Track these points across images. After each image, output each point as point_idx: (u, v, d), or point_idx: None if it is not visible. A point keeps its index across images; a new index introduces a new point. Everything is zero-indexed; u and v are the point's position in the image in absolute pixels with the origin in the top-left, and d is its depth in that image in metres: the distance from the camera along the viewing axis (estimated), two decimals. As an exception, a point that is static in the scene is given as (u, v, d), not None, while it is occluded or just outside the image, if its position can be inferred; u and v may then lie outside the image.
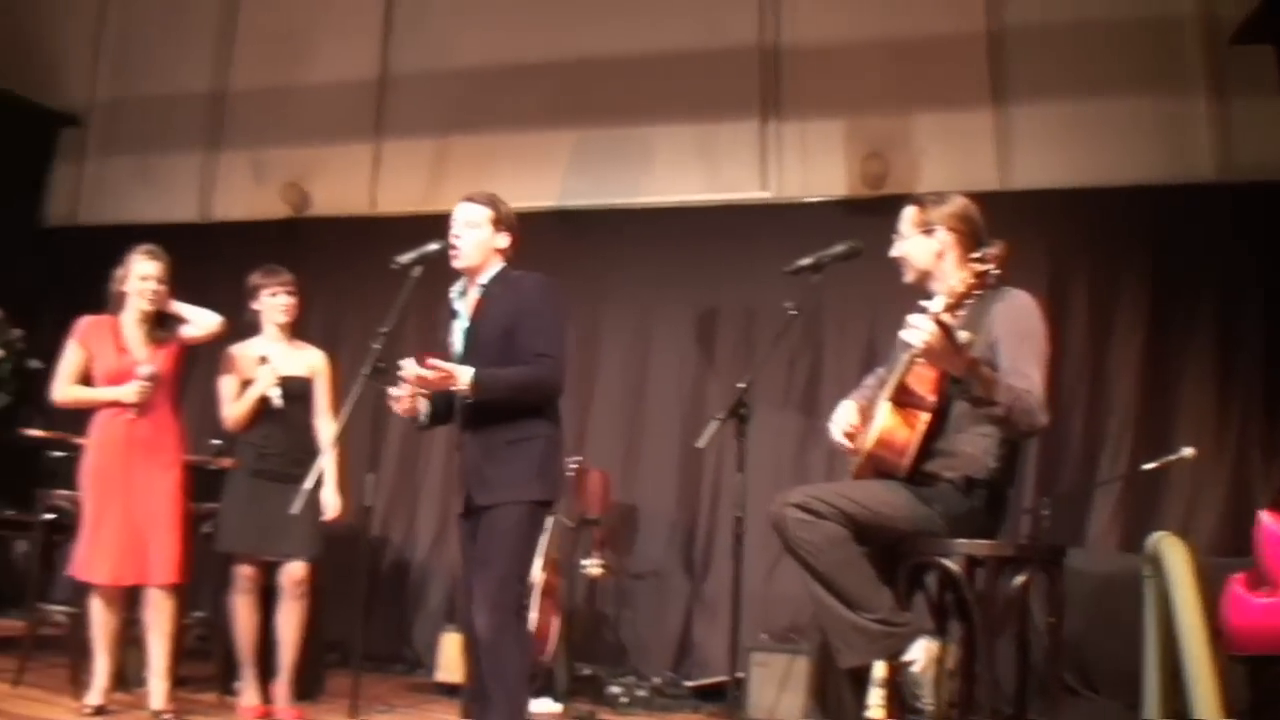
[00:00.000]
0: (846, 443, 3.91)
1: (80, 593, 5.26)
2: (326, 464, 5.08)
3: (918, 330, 3.29)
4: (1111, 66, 6.60)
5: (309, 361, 5.54)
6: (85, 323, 5.19)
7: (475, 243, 4.16)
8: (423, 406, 4.22)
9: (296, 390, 5.40)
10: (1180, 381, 6.31)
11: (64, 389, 5.16)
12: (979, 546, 3.52)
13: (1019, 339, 3.53)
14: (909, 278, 3.84)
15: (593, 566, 6.48)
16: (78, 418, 5.36)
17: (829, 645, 3.56)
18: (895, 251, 3.86)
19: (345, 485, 5.56)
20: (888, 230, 3.90)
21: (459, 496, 4.20)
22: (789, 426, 6.84)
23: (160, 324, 5.21)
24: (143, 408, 5.08)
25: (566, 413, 6.81)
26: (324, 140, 8.35)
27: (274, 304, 5.47)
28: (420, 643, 7.17)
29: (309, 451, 5.28)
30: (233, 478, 5.42)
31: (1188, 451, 5.43)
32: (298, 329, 5.62)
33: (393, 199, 8.14)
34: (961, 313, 3.37)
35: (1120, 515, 6.21)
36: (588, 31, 7.74)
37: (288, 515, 4.44)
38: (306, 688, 5.62)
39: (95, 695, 5.06)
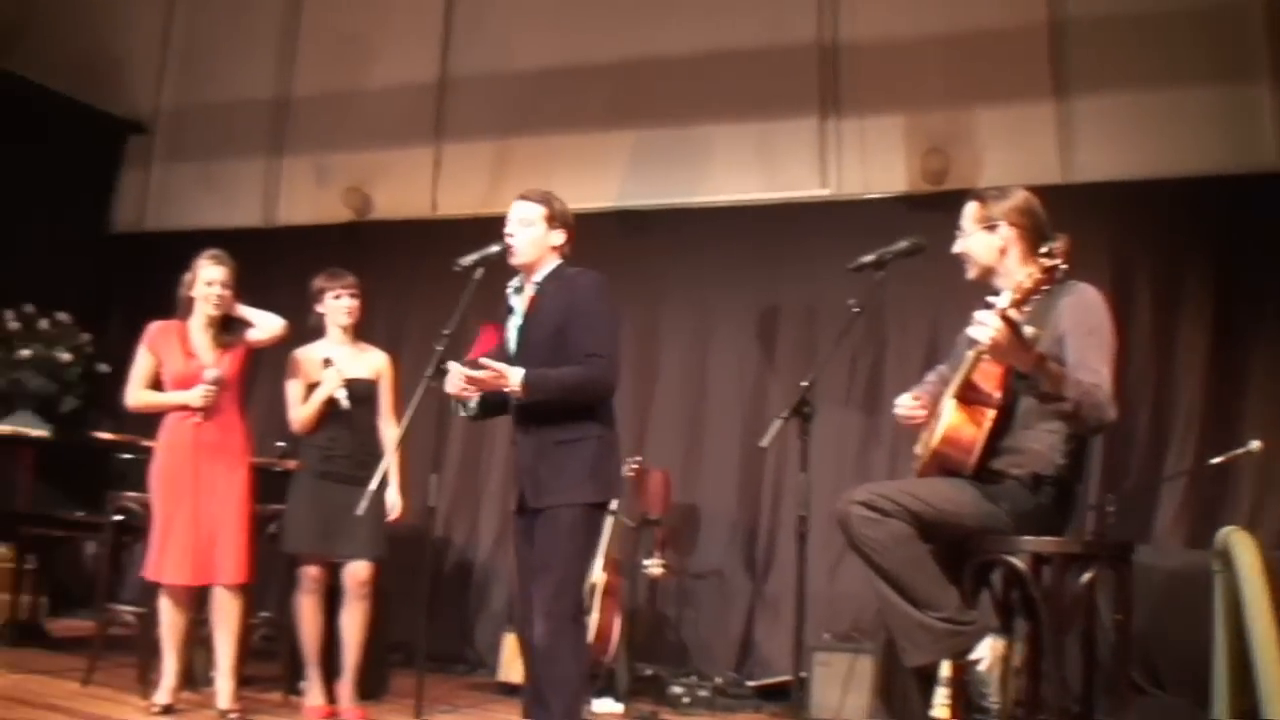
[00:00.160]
0: (911, 413, 3.88)
1: (149, 593, 5.33)
2: (390, 465, 5.10)
3: (984, 327, 3.25)
4: (1175, 55, 6.50)
5: (373, 364, 5.58)
6: (154, 328, 5.27)
7: (529, 240, 4.17)
8: (472, 396, 4.21)
9: (361, 393, 5.43)
10: (1247, 374, 6.19)
11: (135, 394, 5.25)
12: (1045, 544, 3.48)
13: (1086, 333, 3.49)
14: (972, 274, 3.81)
15: (654, 566, 6.49)
16: (147, 421, 5.44)
17: (894, 644, 3.53)
18: (957, 248, 3.82)
19: (406, 486, 5.61)
20: (949, 226, 3.87)
21: (513, 493, 4.21)
22: (851, 425, 6.81)
23: (226, 328, 5.28)
24: (209, 411, 5.14)
25: (626, 413, 6.88)
26: (385, 144, 8.43)
27: (338, 307, 5.51)
28: (482, 643, 7.20)
29: (373, 454, 5.32)
30: (297, 479, 5.47)
31: (1255, 445, 5.33)
32: (361, 331, 5.66)
33: (453, 201, 8.19)
34: (1028, 308, 3.33)
35: (1187, 510, 6.12)
36: (646, 32, 7.74)
37: (353, 516, 4.47)
38: (370, 688, 5.65)
39: (163, 694, 5.13)
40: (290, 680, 5.62)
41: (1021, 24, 6.84)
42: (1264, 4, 6.38)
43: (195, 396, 5.11)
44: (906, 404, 3.94)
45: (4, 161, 8.42)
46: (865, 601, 6.07)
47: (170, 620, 5.14)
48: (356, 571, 5.33)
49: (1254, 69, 6.38)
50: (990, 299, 3.40)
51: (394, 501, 5.48)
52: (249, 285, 5.38)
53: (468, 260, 4.20)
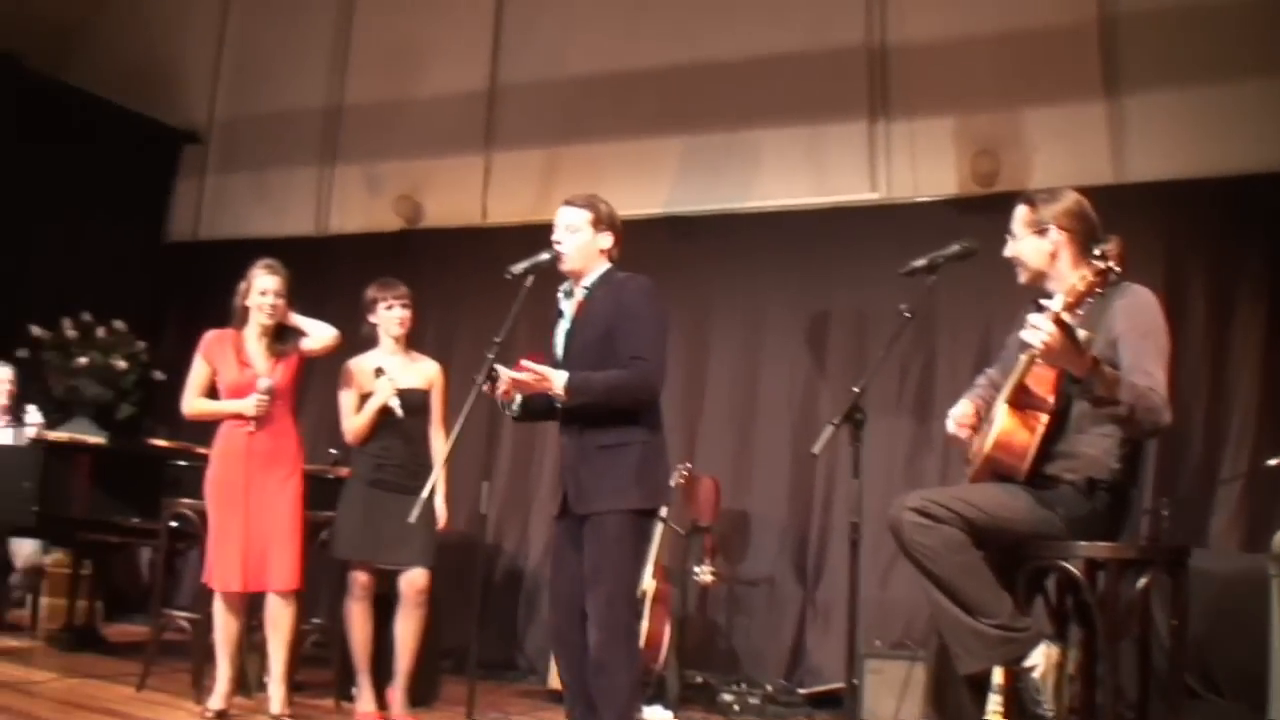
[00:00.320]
0: (961, 432, 3.86)
1: (203, 599, 5.39)
2: (439, 474, 5.11)
3: (1038, 330, 3.22)
4: (1228, 50, 6.39)
5: (425, 373, 5.59)
6: (209, 337, 5.33)
7: (578, 246, 4.16)
8: (516, 396, 4.20)
9: (414, 402, 5.44)
10: (1304, 376, 6.12)
11: (190, 402, 5.31)
12: (1100, 549, 3.45)
13: (1141, 336, 3.45)
14: (1023, 278, 3.78)
15: (704, 574, 6.47)
16: (201, 428, 5.51)
17: (947, 651, 3.51)
18: (1008, 252, 3.79)
19: (452, 495, 5.64)
20: (1000, 229, 3.83)
21: (555, 498, 4.20)
22: (902, 430, 6.76)
23: (280, 337, 5.32)
24: (262, 419, 5.18)
25: (676, 419, 6.88)
26: (436, 152, 8.48)
27: (390, 317, 5.52)
28: (533, 649, 7.22)
29: (425, 463, 5.35)
30: (349, 487, 5.49)
31: (1312, 446, 5.26)
32: (412, 339, 5.68)
33: (503, 209, 8.23)
34: (1081, 311, 3.30)
35: (1243, 514, 6.02)
36: (694, 38, 7.74)
37: (405, 524, 4.47)
38: (422, 694, 5.67)
39: (217, 700, 5.17)
40: (342, 686, 5.65)
41: (1071, 22, 6.77)
42: (1318, -4, 6.29)
43: (248, 405, 5.16)
44: (957, 417, 3.91)
45: (62, 171, 8.58)
46: (917, 608, 6.03)
47: (224, 626, 5.19)
48: (414, 579, 5.35)
49: (1310, 63, 6.29)
50: (1043, 302, 3.36)
51: (442, 510, 5.50)
52: (301, 294, 5.43)
53: (519, 268, 4.20)
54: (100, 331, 8.19)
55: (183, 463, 6.03)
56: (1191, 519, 6.00)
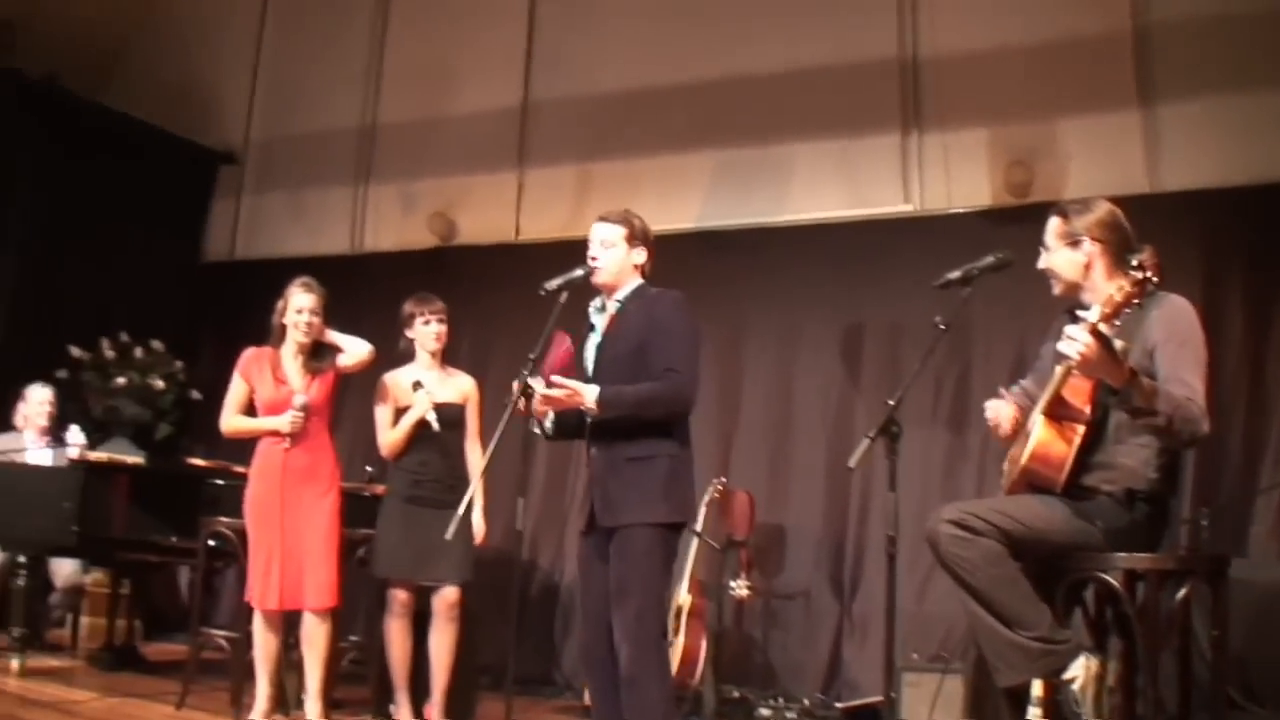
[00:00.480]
0: (1003, 421, 3.84)
1: (241, 617, 5.42)
2: (477, 490, 5.12)
3: (1074, 342, 3.21)
4: (1262, 58, 6.34)
5: (461, 388, 5.62)
6: (247, 355, 5.37)
7: (612, 261, 4.17)
8: (548, 415, 4.21)
9: (451, 417, 5.47)
10: (1342, 384, 6.05)
11: (228, 419, 5.36)
12: (1139, 560, 3.43)
13: (1178, 345, 3.43)
14: (1057, 290, 3.76)
15: (740, 588, 6.45)
16: (239, 446, 5.54)
17: (986, 664, 3.49)
18: (1042, 264, 3.77)
19: (490, 509, 5.65)
20: (1035, 239, 3.82)
21: (582, 513, 4.19)
22: (937, 443, 6.73)
23: (317, 354, 5.35)
24: (298, 437, 5.22)
25: (710, 434, 6.87)
26: (469, 169, 8.53)
27: (426, 332, 5.54)
28: (569, 665, 7.21)
29: (461, 477, 5.37)
30: (387, 504, 5.51)
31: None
32: (447, 355, 5.70)
33: (536, 226, 8.26)
34: (1118, 322, 3.28)
35: (1283, 523, 5.97)
36: (725, 52, 7.75)
37: (442, 540, 4.48)
38: (459, 711, 5.65)
39: (256, 717, 5.20)
40: (380, 703, 5.65)
41: (1104, 31, 6.74)
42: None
43: (284, 422, 5.19)
44: (999, 411, 3.89)
45: (100, 193, 8.70)
46: (953, 621, 6.00)
47: (263, 644, 5.21)
48: (446, 595, 5.37)
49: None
50: (1080, 313, 3.34)
51: (479, 525, 5.51)
52: (337, 312, 5.46)
53: (553, 284, 4.20)
54: (138, 352, 8.27)
55: (220, 481, 6.07)
56: (1231, 528, 5.95)
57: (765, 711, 6.19)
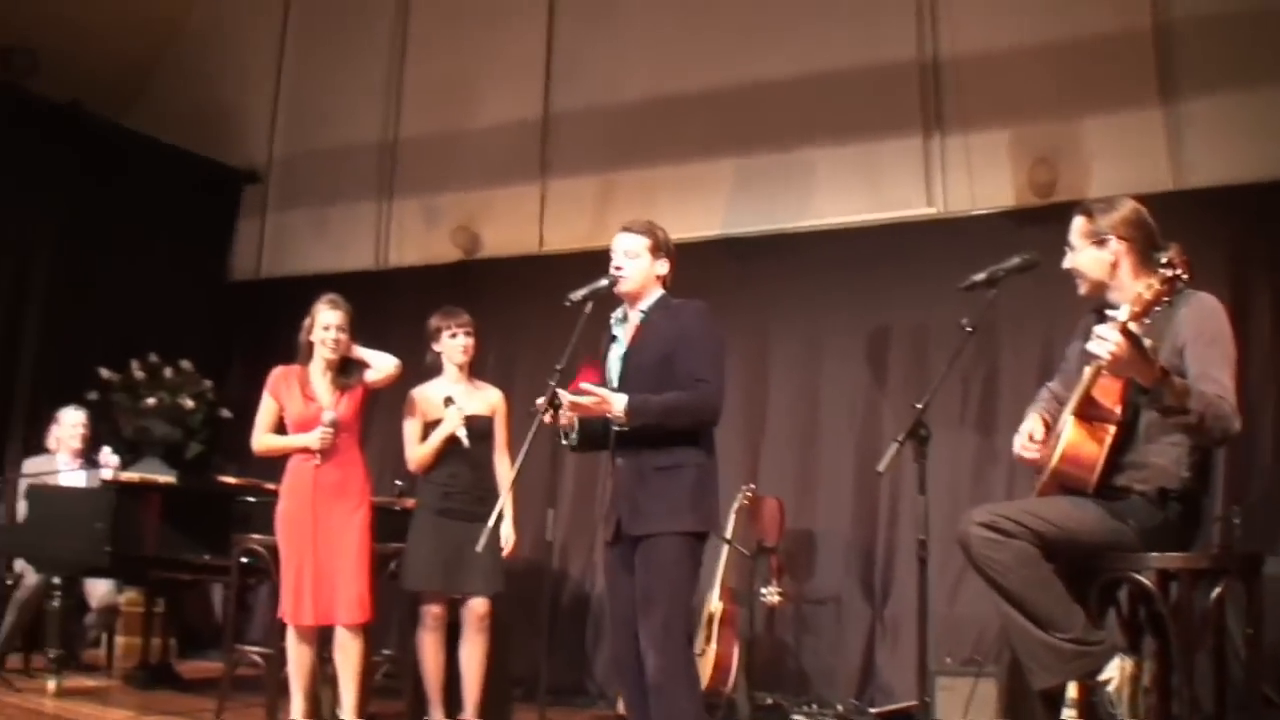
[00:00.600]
0: (1026, 454, 3.82)
1: (275, 633, 5.44)
2: (506, 501, 5.13)
3: (1104, 341, 3.19)
4: (1285, 51, 6.33)
5: (489, 400, 5.64)
6: (276, 373, 5.41)
7: (637, 271, 4.17)
8: (574, 425, 4.18)
9: (480, 429, 5.49)
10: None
11: (259, 438, 5.40)
12: (1172, 559, 3.40)
13: (1208, 343, 3.41)
14: (1083, 290, 3.73)
15: (771, 594, 6.45)
16: (269, 465, 5.57)
17: (1019, 666, 3.47)
18: (1067, 264, 3.75)
19: (519, 520, 5.66)
20: (1060, 239, 3.80)
21: (608, 523, 4.17)
22: (965, 446, 6.71)
23: (344, 370, 5.38)
24: (327, 453, 5.24)
25: (738, 440, 6.87)
26: (492, 182, 8.56)
27: (454, 345, 5.57)
28: (602, 674, 7.21)
29: (490, 489, 5.39)
30: (418, 517, 5.53)
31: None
32: (474, 368, 5.72)
33: (559, 237, 8.29)
34: (1148, 321, 3.26)
35: (1316, 519, 5.93)
36: (744, 59, 7.76)
37: (473, 552, 4.50)
38: (494, 721, 5.70)
39: (292, 732, 5.23)
40: (415, 717, 5.66)
41: (1125, 29, 6.72)
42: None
43: (312, 439, 5.22)
44: (1023, 438, 3.86)
45: (126, 215, 8.79)
46: (986, 624, 5.98)
47: (297, 659, 5.23)
48: (475, 606, 5.39)
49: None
50: (1109, 312, 3.33)
51: (509, 536, 5.53)
52: (363, 327, 5.49)
53: (578, 295, 4.20)
54: (167, 372, 8.31)
55: (251, 499, 6.09)
56: (1264, 526, 5.90)
57: (799, 718, 6.19)
